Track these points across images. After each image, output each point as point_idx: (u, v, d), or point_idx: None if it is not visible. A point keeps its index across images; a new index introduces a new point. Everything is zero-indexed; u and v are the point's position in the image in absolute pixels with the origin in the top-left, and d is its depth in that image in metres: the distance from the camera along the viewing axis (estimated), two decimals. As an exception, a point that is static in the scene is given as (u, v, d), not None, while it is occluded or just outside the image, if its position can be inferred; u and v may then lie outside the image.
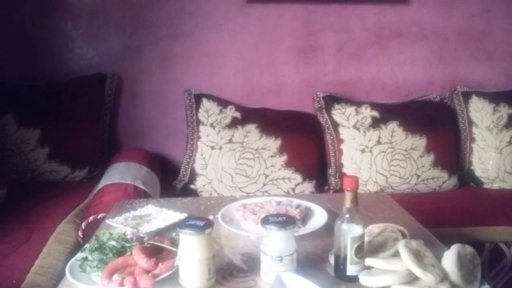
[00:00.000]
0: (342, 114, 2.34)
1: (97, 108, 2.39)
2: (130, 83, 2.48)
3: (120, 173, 2.00)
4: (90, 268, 1.07)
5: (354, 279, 1.03)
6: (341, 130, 2.33)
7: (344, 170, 2.29)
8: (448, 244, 1.09)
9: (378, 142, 2.27)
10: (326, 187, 2.35)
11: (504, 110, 2.37)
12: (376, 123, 2.30)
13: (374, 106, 2.35)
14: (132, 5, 2.41)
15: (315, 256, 1.17)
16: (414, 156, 2.26)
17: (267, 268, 1.04)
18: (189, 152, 2.32)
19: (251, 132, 2.28)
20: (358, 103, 2.37)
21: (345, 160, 2.30)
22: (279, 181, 2.22)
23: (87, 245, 1.12)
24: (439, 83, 2.57)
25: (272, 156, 2.24)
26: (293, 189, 2.22)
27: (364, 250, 1.05)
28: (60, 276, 1.36)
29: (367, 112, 2.32)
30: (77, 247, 1.62)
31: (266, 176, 2.22)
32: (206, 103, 2.36)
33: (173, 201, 1.61)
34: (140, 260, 1.02)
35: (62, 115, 2.30)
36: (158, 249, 1.09)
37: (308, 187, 2.24)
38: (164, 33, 2.43)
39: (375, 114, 2.32)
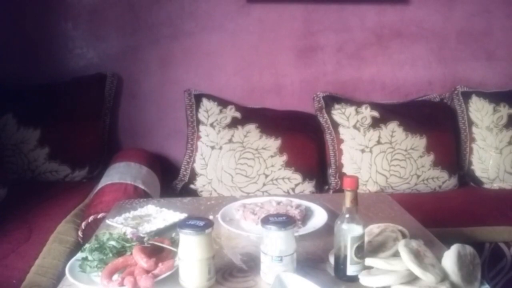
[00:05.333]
0: (342, 114, 2.34)
1: (97, 108, 2.39)
2: (130, 83, 2.48)
3: (120, 173, 2.00)
4: (90, 268, 1.06)
5: (354, 279, 1.03)
6: (341, 130, 2.33)
7: (344, 170, 2.29)
8: (448, 244, 1.09)
9: (378, 142, 2.27)
10: (326, 187, 2.35)
11: (504, 110, 2.37)
12: (376, 123, 2.30)
13: (374, 106, 2.35)
14: (132, 5, 2.41)
15: (315, 256, 1.17)
16: (414, 156, 2.26)
17: (267, 268, 1.03)
18: (189, 152, 2.32)
19: (251, 132, 2.28)
20: (358, 103, 2.37)
21: (345, 160, 2.30)
22: (279, 181, 2.22)
23: (87, 245, 1.12)
24: (439, 83, 2.57)
25: (272, 156, 2.24)
26: (293, 189, 2.22)
27: (364, 250, 1.05)
28: (60, 276, 1.36)
29: (367, 112, 2.32)
30: (77, 247, 1.62)
31: (266, 176, 2.22)
32: (206, 103, 2.36)
33: (173, 201, 1.60)
34: (140, 260, 1.02)
35: (62, 115, 2.30)
36: (158, 249, 1.09)
37: (308, 187, 2.24)
38: (164, 33, 2.43)
39: (375, 114, 2.32)
